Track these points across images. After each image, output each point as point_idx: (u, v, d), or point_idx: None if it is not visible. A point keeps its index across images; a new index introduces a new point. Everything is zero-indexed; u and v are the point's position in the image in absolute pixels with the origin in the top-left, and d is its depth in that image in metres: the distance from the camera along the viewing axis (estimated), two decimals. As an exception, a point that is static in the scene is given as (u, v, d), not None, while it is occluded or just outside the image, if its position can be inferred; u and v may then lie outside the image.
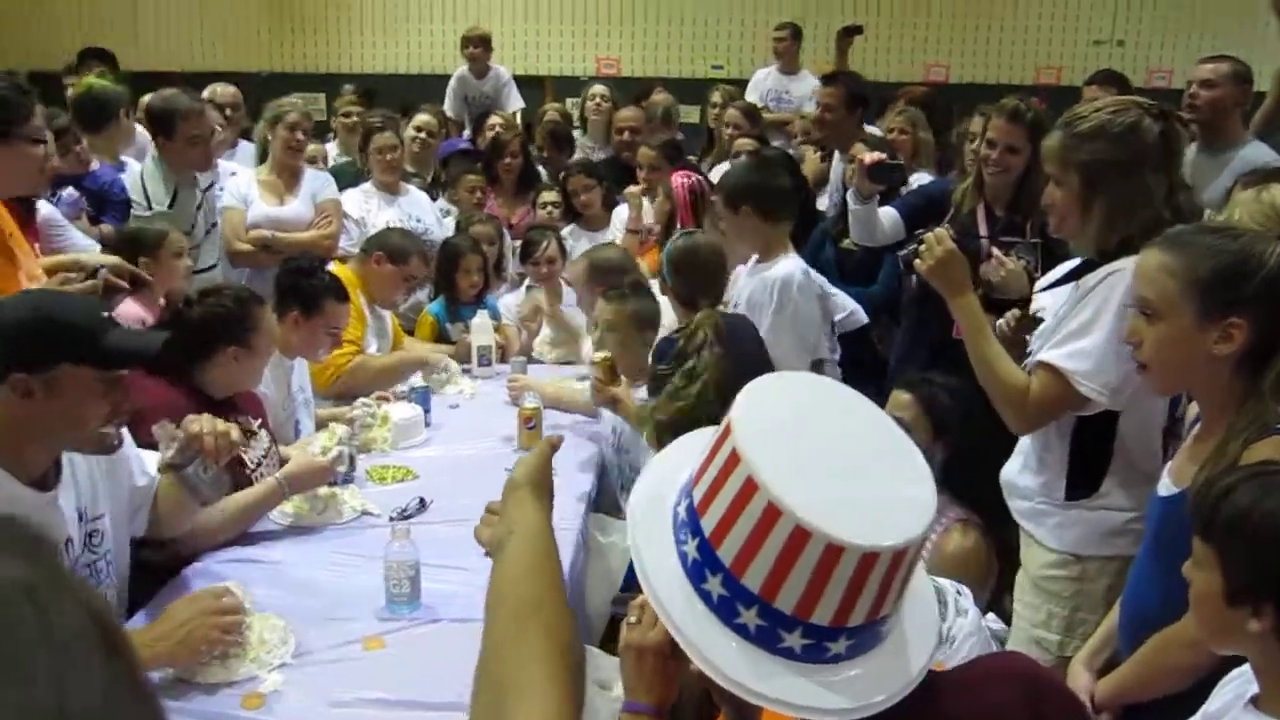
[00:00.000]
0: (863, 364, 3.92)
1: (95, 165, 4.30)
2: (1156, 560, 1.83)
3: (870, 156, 3.58)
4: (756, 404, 1.02)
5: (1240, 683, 1.41)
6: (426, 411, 3.50)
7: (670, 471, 1.11)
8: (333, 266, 3.86)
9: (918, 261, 2.31)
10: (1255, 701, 1.33)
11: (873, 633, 1.00)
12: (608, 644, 2.52)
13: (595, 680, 2.44)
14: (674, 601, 1.02)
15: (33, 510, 1.90)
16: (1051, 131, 2.24)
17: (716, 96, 5.18)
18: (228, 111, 5.17)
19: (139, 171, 4.23)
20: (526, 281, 4.54)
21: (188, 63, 8.75)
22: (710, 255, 3.19)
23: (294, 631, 2.12)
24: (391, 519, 2.71)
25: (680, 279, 3.14)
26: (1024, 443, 2.36)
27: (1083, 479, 2.23)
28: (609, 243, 4.43)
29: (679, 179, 4.29)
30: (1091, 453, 2.22)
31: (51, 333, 1.85)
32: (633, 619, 1.46)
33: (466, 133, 6.99)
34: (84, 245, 3.58)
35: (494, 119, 5.99)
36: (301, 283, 3.26)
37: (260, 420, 2.86)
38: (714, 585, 0.99)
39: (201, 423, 2.18)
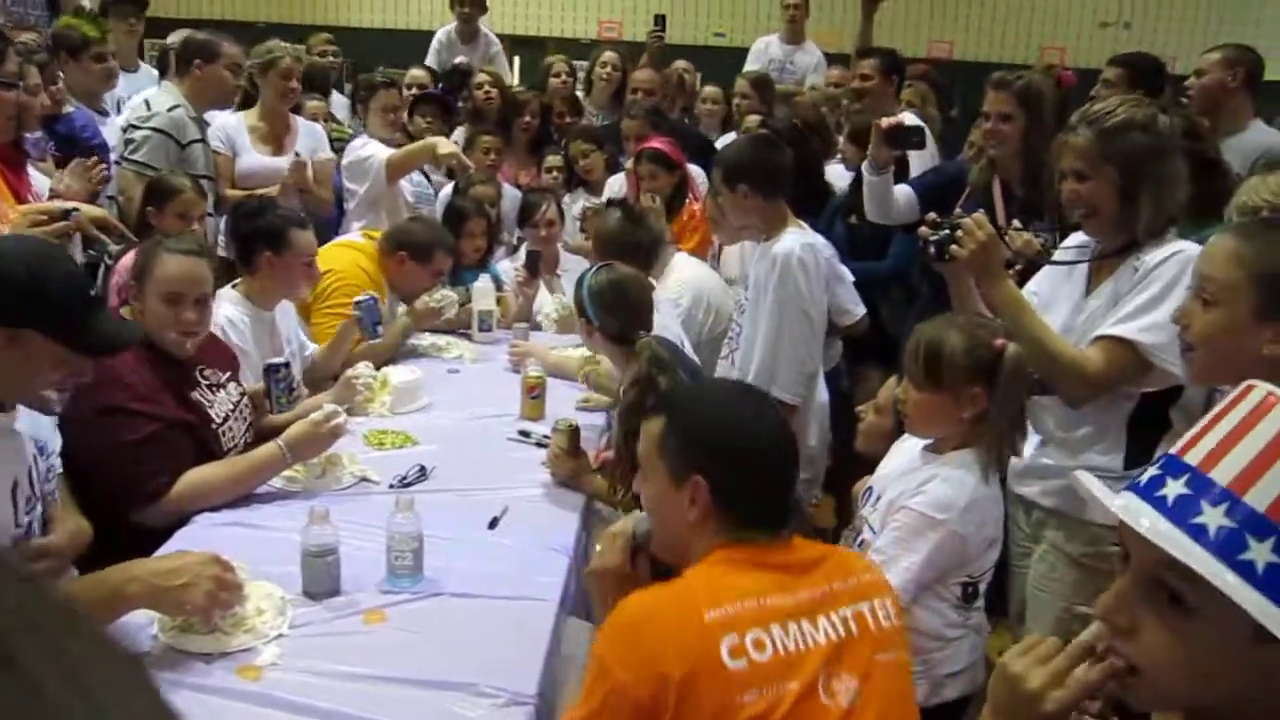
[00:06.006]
0: (869, 340, 3.86)
1: (70, 109, 4.17)
2: None
3: (888, 121, 3.47)
4: None
5: None
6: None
7: None
8: (359, 238, 3.74)
9: (955, 248, 2.24)
10: None
11: None
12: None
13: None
14: None
15: None
16: (1073, 131, 2.24)
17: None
18: None
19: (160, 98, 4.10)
20: (525, 245, 4.42)
21: (188, 11, 8.62)
22: (638, 288, 2.90)
23: (291, 602, 2.05)
24: (391, 486, 2.63)
25: (610, 316, 2.79)
26: (1065, 424, 2.33)
27: (1140, 450, 2.22)
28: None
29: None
30: (1149, 424, 2.23)
31: (36, 301, 1.80)
32: (599, 547, 1.53)
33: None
34: (42, 186, 3.45)
35: (481, 76, 5.50)
36: (259, 223, 3.12)
37: (229, 374, 2.76)
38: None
39: None
